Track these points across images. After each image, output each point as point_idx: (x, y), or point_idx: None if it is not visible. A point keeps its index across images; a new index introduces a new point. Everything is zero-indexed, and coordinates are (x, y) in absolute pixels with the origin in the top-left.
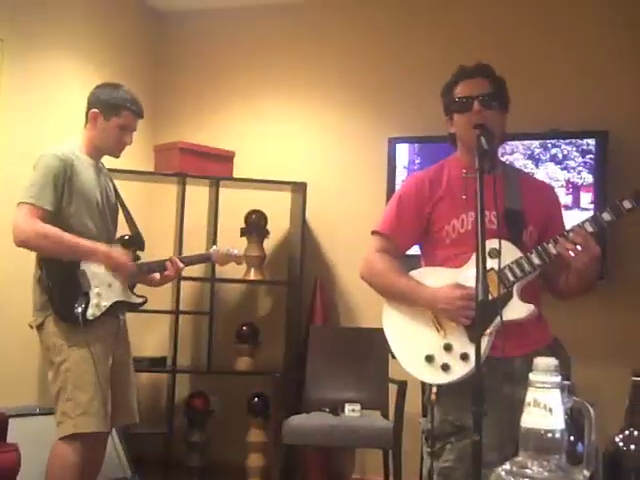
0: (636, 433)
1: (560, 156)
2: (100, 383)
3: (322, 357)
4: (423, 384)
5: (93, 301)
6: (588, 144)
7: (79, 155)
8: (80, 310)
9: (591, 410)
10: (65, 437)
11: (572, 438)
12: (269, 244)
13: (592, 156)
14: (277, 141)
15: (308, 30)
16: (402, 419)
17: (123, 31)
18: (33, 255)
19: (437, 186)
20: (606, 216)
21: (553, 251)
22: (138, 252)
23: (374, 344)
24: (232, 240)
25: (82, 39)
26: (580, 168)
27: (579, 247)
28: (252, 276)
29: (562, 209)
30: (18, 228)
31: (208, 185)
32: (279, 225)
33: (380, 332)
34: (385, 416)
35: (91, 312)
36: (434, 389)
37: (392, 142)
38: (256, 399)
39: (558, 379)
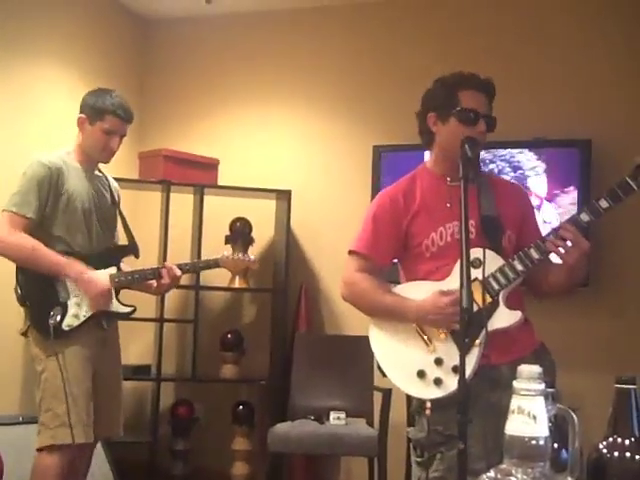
0: (620, 440)
1: (544, 164)
2: (74, 394)
3: (307, 365)
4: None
5: (71, 311)
6: (571, 153)
7: (68, 162)
8: (53, 321)
9: (575, 417)
10: (44, 448)
11: (556, 445)
12: (254, 252)
13: (576, 165)
14: (262, 149)
15: (293, 38)
16: (387, 427)
17: (109, 38)
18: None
19: (411, 200)
20: (584, 217)
21: (535, 255)
22: (133, 260)
23: (359, 352)
24: (217, 248)
25: (68, 46)
26: (564, 176)
27: (569, 243)
28: (237, 284)
29: (534, 209)
30: None
31: (193, 193)
32: (264, 233)
33: (365, 340)
34: (370, 424)
35: (67, 322)
36: (428, 404)
37: (377, 150)
38: (241, 407)
39: (542, 387)
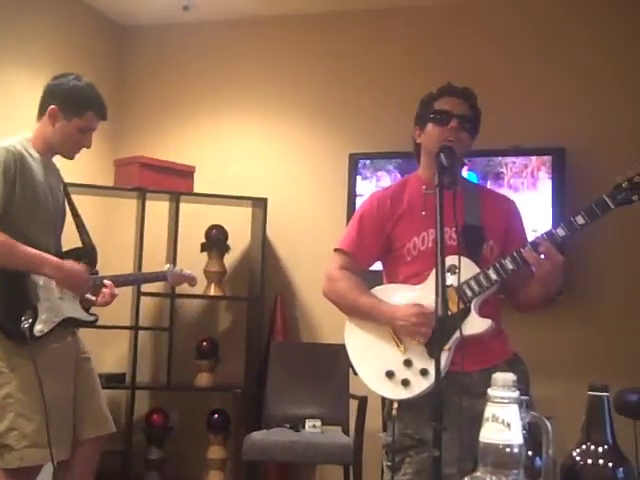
0: (593, 447)
1: (519, 172)
2: (55, 406)
3: (283, 373)
4: (383, 399)
5: (42, 316)
6: (545, 161)
7: (31, 152)
8: (27, 325)
9: (549, 425)
10: (9, 470)
11: (530, 453)
12: (229, 259)
13: (549, 172)
14: (238, 156)
15: (269, 46)
16: (362, 435)
17: (85, 45)
18: None
19: (398, 204)
20: (560, 232)
21: (510, 266)
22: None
23: (335, 360)
24: (192, 255)
25: (41, 53)
26: (538, 184)
27: (542, 256)
28: (212, 292)
29: (523, 223)
30: None
31: (168, 200)
32: (240, 240)
33: (341, 348)
34: (346, 432)
35: (39, 328)
36: (395, 404)
37: (353, 158)
38: (216, 415)
39: (516, 394)
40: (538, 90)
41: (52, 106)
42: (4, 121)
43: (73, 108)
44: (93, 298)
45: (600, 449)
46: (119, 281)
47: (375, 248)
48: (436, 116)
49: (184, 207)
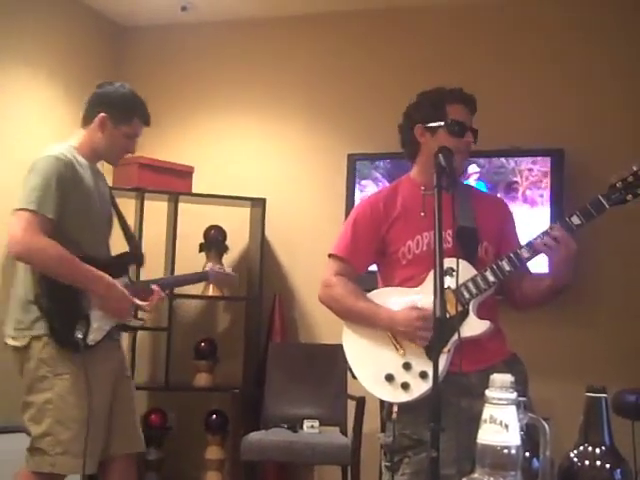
0: (590, 449)
1: (518, 173)
2: (93, 418)
3: (281, 373)
4: (382, 400)
5: (94, 325)
6: (545, 162)
7: (79, 159)
8: (81, 335)
9: (546, 426)
10: (40, 474)
11: (528, 454)
12: (228, 260)
13: (548, 173)
14: (236, 157)
15: (267, 47)
16: (360, 435)
17: (83, 45)
18: None
19: (392, 207)
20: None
21: (507, 268)
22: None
23: (333, 361)
24: (191, 256)
25: (40, 53)
26: (537, 185)
27: (558, 242)
28: (211, 292)
29: (515, 223)
30: (14, 239)
31: (167, 200)
32: (238, 241)
33: (339, 348)
34: (344, 432)
35: (92, 337)
36: (395, 407)
37: (351, 158)
38: (214, 416)
39: (514, 396)
40: (537, 91)
41: (101, 114)
42: (3, 120)
43: (121, 115)
44: (144, 303)
45: (598, 450)
46: (163, 284)
47: (370, 252)
48: (452, 127)
49: (183, 207)
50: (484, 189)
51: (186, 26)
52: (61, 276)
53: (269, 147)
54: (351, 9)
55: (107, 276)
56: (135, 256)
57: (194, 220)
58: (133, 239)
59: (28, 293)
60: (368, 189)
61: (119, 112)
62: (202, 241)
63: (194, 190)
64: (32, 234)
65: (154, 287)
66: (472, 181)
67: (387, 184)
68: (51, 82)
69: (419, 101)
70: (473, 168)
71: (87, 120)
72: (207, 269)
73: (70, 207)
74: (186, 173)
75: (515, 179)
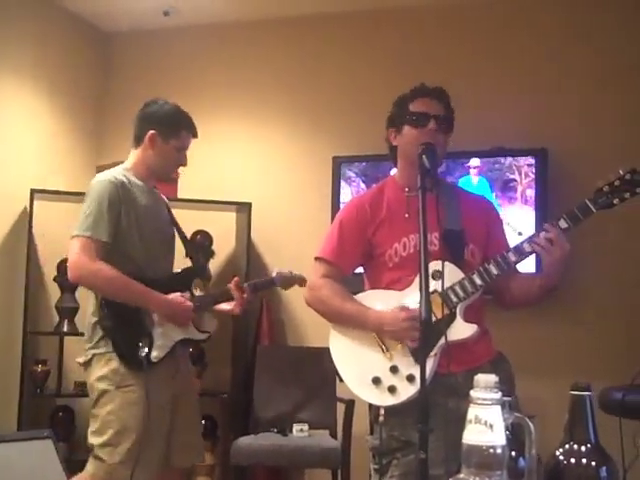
0: (576, 447)
1: (502, 173)
2: (151, 432)
3: (269, 377)
4: (370, 403)
5: (157, 342)
6: (528, 161)
7: (132, 180)
8: (144, 354)
9: (531, 425)
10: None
11: (513, 453)
12: (215, 264)
13: (533, 173)
14: (221, 161)
15: (251, 51)
16: (350, 438)
17: (69, 51)
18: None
19: (377, 210)
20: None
21: (494, 271)
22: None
23: (321, 364)
24: (177, 260)
25: (25, 60)
26: (521, 185)
27: (553, 243)
28: None
29: (503, 223)
30: (73, 264)
31: None
32: (224, 245)
33: (327, 352)
34: (333, 435)
35: (155, 354)
36: (382, 410)
37: (336, 161)
38: (203, 421)
39: (498, 396)
40: (521, 91)
41: (151, 132)
42: None
43: (169, 130)
44: (229, 307)
45: (583, 448)
46: (250, 286)
47: (356, 255)
48: (412, 118)
49: None
50: (486, 185)
51: (169, 31)
52: (116, 296)
53: (254, 151)
54: (335, 11)
55: (158, 294)
56: (196, 270)
57: (180, 225)
58: (195, 254)
59: (94, 315)
60: (343, 190)
61: (167, 127)
62: None
63: (179, 195)
64: (87, 259)
65: (243, 286)
66: (473, 176)
67: (361, 184)
68: (36, 91)
69: (394, 104)
70: (474, 162)
71: (138, 140)
72: (273, 275)
73: (123, 227)
74: (171, 178)
75: (513, 176)
